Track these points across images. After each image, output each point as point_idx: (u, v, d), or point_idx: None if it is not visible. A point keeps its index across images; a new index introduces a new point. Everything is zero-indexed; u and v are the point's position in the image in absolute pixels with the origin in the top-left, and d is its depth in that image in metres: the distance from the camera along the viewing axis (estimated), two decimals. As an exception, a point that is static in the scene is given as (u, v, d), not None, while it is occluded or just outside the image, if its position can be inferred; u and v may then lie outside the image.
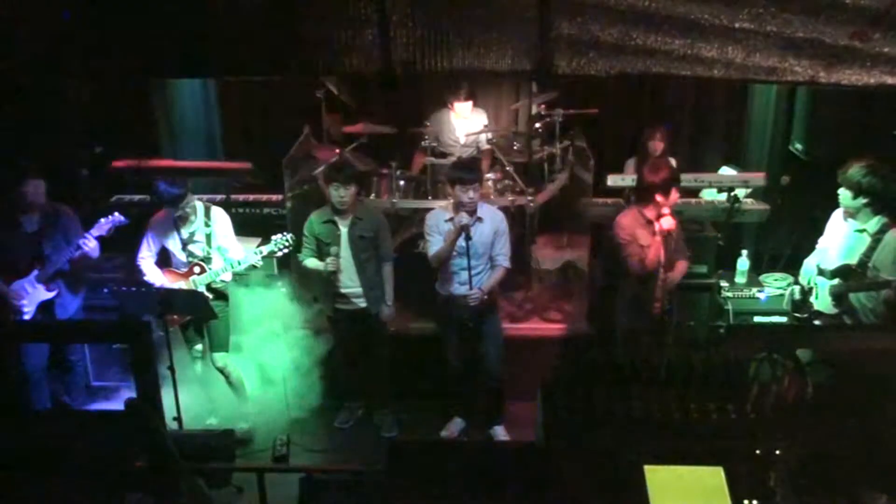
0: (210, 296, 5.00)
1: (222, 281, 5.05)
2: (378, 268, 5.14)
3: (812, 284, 4.73)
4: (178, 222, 4.98)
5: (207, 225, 5.01)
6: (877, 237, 4.40)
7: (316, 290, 5.45)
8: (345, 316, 5.22)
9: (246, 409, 5.42)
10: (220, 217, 5.07)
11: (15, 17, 2.35)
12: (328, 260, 4.97)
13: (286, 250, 5.00)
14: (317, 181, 5.94)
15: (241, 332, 5.41)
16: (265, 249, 4.95)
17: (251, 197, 6.27)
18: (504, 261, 4.99)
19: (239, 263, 4.96)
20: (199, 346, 5.28)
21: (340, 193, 4.89)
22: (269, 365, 5.55)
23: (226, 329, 5.20)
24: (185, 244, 4.98)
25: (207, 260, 4.99)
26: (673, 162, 6.47)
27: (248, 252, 5.04)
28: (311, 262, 5.09)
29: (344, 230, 5.02)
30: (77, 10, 2.34)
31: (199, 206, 5.05)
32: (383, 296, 5.17)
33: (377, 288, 5.14)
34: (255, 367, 5.55)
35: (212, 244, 5.01)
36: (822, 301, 4.66)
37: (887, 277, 4.33)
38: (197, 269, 4.95)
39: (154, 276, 5.00)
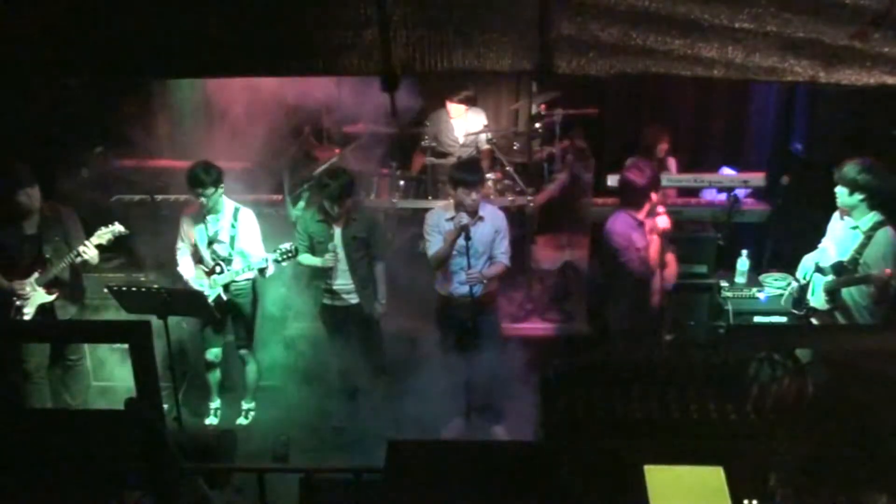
0: (226, 297, 5.00)
1: (246, 280, 5.06)
2: (370, 267, 5.15)
3: (808, 280, 4.75)
4: (204, 216, 4.96)
5: (234, 226, 5.01)
6: (869, 234, 4.43)
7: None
8: (331, 311, 5.23)
9: (248, 405, 5.45)
10: (247, 219, 5.08)
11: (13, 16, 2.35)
12: (327, 256, 4.98)
13: (288, 260, 5.00)
14: (317, 181, 5.92)
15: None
16: (270, 257, 4.96)
17: (251, 197, 6.26)
18: (504, 258, 4.99)
19: (249, 268, 4.97)
20: (215, 350, 5.28)
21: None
22: (274, 362, 5.58)
23: (244, 328, 5.25)
24: (210, 242, 5.00)
25: (228, 261, 5.00)
26: (673, 162, 6.49)
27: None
28: (306, 259, 5.10)
29: (338, 230, 5.02)
30: (76, 10, 2.34)
31: (230, 205, 5.05)
32: (375, 294, 5.18)
33: (369, 286, 5.16)
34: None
35: (234, 246, 5.01)
36: (818, 298, 4.68)
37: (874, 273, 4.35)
38: (218, 269, 4.97)
39: (185, 267, 5.05)
